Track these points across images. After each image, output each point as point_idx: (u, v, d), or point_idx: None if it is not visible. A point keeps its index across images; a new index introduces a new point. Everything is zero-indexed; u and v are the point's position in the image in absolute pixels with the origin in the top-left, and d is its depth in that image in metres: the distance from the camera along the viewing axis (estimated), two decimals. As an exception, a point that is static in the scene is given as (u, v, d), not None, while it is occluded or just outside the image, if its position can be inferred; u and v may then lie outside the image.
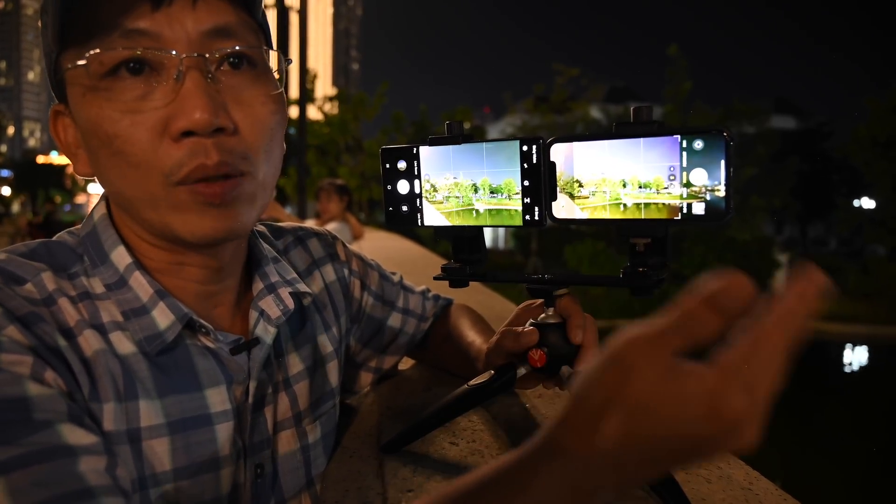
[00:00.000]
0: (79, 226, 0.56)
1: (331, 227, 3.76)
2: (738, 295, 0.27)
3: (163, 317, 0.51)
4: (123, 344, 0.50)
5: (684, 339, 0.28)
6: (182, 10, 0.47)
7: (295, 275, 0.64)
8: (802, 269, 0.28)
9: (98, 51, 0.46)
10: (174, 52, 0.47)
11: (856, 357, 14.70)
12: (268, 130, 0.51)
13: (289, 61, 0.55)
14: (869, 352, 14.71)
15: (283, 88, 0.53)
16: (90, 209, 0.58)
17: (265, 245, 0.64)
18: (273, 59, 0.53)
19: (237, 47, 0.49)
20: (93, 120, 0.48)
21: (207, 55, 0.48)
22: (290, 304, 0.60)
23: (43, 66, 0.55)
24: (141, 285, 0.52)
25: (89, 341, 0.48)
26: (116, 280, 0.52)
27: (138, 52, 0.46)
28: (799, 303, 0.28)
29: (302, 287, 0.62)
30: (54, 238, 0.55)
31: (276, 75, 0.53)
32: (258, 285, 0.60)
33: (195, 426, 0.52)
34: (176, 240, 0.51)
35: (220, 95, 0.48)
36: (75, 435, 0.42)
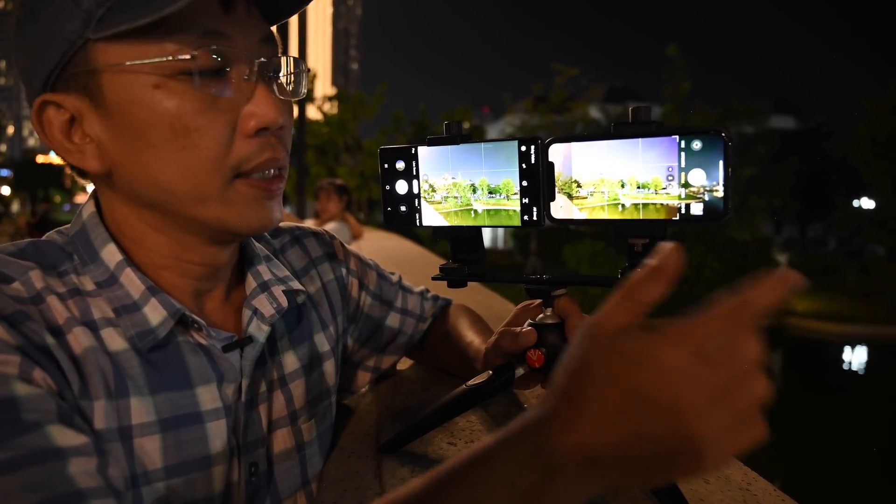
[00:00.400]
0: (68, 225, 0.56)
1: (330, 226, 3.76)
2: (664, 254, 0.32)
3: (154, 313, 0.51)
4: (115, 340, 0.50)
5: (631, 311, 0.32)
6: (243, 15, 0.50)
7: (288, 273, 0.64)
8: (778, 270, 0.30)
9: (180, 49, 0.47)
10: (252, 55, 0.50)
11: (855, 357, 14.71)
12: (291, 131, 0.56)
13: (306, 70, 0.58)
14: (868, 352, 14.72)
15: (305, 93, 0.57)
16: None
17: (257, 244, 0.64)
18: (291, 66, 0.56)
19: (282, 54, 0.53)
20: (171, 113, 0.48)
21: (272, 59, 0.52)
22: (284, 302, 0.60)
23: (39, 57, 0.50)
24: (132, 282, 0.52)
25: (79, 338, 0.48)
26: (107, 278, 0.52)
27: (221, 53, 0.48)
28: (763, 291, 0.30)
29: (295, 285, 0.63)
30: (43, 237, 0.54)
31: (285, 79, 0.55)
32: (251, 284, 0.60)
33: (186, 424, 0.52)
34: (221, 232, 0.53)
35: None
36: (65, 436, 0.41)
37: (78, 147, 0.51)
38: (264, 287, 0.60)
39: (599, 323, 0.33)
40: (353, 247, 0.81)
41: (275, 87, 0.52)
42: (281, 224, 0.75)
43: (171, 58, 0.47)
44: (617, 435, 0.31)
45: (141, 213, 0.53)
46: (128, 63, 0.47)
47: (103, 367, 0.49)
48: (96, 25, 0.46)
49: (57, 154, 0.52)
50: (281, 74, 0.53)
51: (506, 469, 0.33)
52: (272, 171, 0.52)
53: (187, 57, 0.47)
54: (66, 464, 0.40)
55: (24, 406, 0.41)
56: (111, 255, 0.52)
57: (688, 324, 0.30)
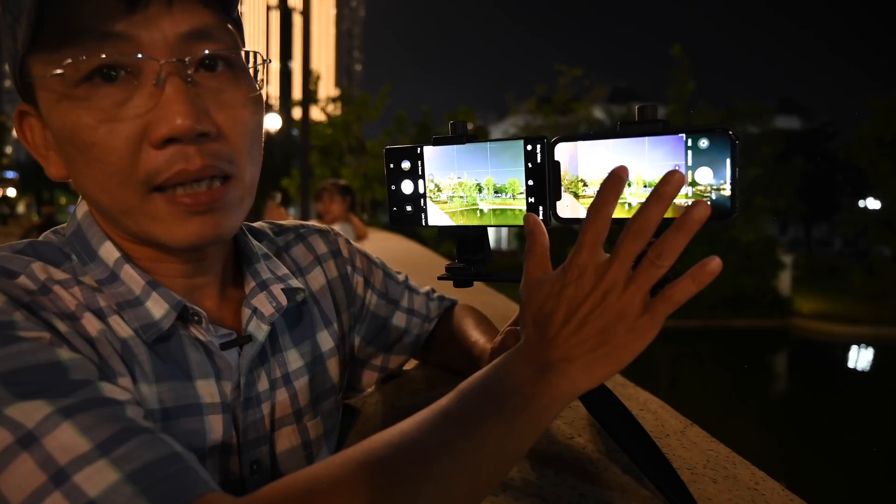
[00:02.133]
0: (64, 225, 0.56)
1: (334, 228, 3.76)
2: (530, 225, 0.50)
3: (157, 306, 0.52)
4: (122, 328, 0.51)
5: (538, 265, 0.49)
6: (158, 12, 0.46)
7: (286, 271, 0.64)
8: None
9: (70, 60, 0.45)
10: (152, 58, 0.46)
11: (861, 358, 14.64)
12: (250, 132, 0.51)
13: (267, 61, 0.54)
14: (874, 353, 14.64)
15: (262, 89, 0.53)
16: None
17: (255, 242, 0.64)
18: (250, 59, 0.53)
19: (216, 50, 0.48)
20: (69, 127, 0.46)
21: (187, 59, 0.47)
22: (284, 300, 0.60)
23: (6, 67, 0.53)
24: (132, 278, 0.52)
25: (92, 322, 0.49)
26: (108, 275, 0.52)
27: (113, 59, 0.45)
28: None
29: (294, 283, 0.63)
30: (41, 238, 0.55)
31: (253, 74, 0.53)
32: (250, 283, 0.60)
33: (187, 414, 0.52)
34: (158, 245, 0.52)
35: (201, 99, 0.47)
36: (113, 391, 0.43)
37: (44, 154, 0.53)
38: (263, 286, 0.60)
39: (526, 279, 0.49)
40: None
41: (190, 88, 0.47)
42: (285, 222, 0.75)
43: (59, 70, 0.45)
44: (562, 336, 0.44)
45: (105, 220, 0.54)
46: (40, 76, 0.47)
47: (116, 350, 0.50)
48: (22, 40, 0.47)
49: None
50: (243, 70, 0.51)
51: (505, 369, 0.45)
52: (205, 182, 0.48)
53: (68, 63, 0.44)
54: (125, 408, 0.42)
55: (70, 367, 0.42)
56: (109, 252, 0.53)
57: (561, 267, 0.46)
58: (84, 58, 0.44)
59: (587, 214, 0.44)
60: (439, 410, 0.43)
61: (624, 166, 0.43)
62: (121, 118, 0.46)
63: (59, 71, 0.45)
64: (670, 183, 0.42)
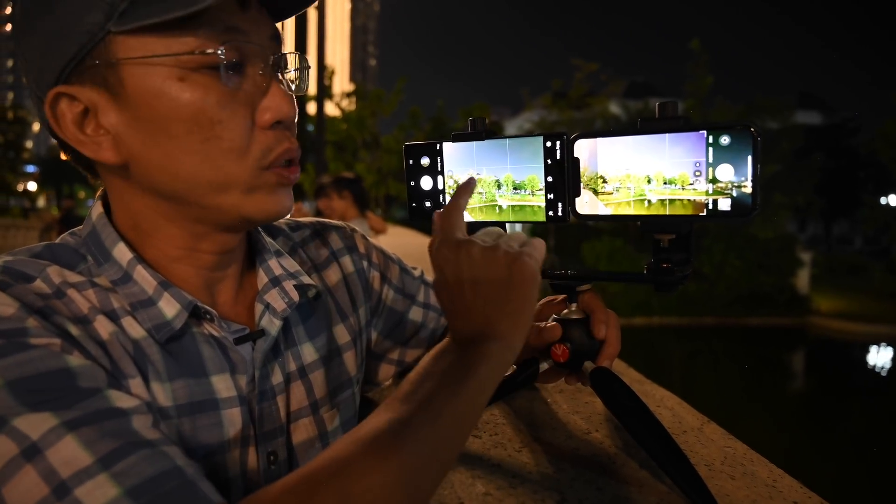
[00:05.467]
0: (80, 227, 0.57)
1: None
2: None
3: (169, 306, 0.53)
4: (135, 328, 0.52)
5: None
6: (257, 12, 0.53)
7: (299, 268, 0.65)
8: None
9: (199, 44, 0.48)
10: (270, 51, 0.53)
11: (880, 357, 14.41)
12: None
13: (307, 66, 0.59)
14: (894, 352, 14.40)
15: (306, 89, 0.58)
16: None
17: (268, 239, 0.65)
18: (297, 62, 0.58)
19: (291, 52, 0.55)
20: (194, 104, 0.49)
21: (283, 55, 0.54)
22: (295, 296, 0.61)
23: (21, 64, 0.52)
24: (144, 278, 0.53)
25: (104, 325, 0.50)
26: (121, 276, 0.53)
27: (239, 48, 0.50)
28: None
29: (306, 279, 0.64)
30: (57, 240, 0.56)
31: (291, 76, 0.57)
32: (263, 279, 0.61)
33: (203, 410, 0.53)
34: (237, 220, 0.54)
35: None
36: (121, 399, 0.44)
37: (92, 139, 0.51)
38: (275, 282, 0.61)
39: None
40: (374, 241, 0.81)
41: (285, 82, 0.54)
42: (301, 219, 0.76)
43: (197, 52, 0.48)
44: (472, 308, 0.51)
45: (157, 205, 0.54)
46: (151, 56, 0.48)
47: (128, 351, 0.51)
48: (119, 18, 0.47)
49: (70, 145, 0.52)
50: (289, 70, 0.55)
51: (443, 351, 0.51)
52: (288, 161, 0.55)
53: (212, 51, 0.48)
54: (130, 420, 0.43)
55: (79, 375, 0.43)
56: (122, 253, 0.54)
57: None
58: (220, 46, 0.49)
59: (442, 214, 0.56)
60: (394, 398, 0.47)
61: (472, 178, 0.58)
62: (240, 100, 0.51)
63: (195, 52, 0.48)
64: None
